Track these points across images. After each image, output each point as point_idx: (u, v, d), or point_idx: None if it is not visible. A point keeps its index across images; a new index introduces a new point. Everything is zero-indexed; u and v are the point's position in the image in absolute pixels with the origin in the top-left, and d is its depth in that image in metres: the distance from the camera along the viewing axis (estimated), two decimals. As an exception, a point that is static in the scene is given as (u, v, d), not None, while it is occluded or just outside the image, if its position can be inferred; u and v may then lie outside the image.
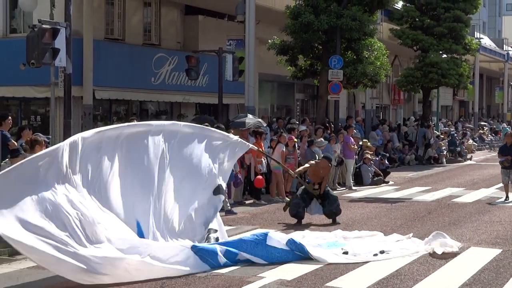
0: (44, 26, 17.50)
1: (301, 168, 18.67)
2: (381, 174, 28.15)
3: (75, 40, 21.79)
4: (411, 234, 14.87)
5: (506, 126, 58.15)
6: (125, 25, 29.67)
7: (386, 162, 30.50)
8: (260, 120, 24.81)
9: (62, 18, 19.88)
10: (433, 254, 13.13)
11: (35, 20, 23.16)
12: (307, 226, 16.87)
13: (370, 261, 12.58)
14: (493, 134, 58.66)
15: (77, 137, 11.15)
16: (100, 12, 28.39)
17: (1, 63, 26.67)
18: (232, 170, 17.35)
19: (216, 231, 12.61)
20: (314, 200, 17.56)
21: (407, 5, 41.47)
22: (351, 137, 26.77)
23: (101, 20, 28.49)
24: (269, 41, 31.94)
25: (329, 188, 18.28)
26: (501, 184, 23.20)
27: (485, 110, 77.89)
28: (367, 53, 31.52)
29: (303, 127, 27.67)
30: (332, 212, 17.50)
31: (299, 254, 12.49)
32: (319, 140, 24.79)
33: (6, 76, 26.36)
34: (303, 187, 17.89)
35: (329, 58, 30.25)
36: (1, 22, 28.20)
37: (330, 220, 17.51)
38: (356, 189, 25.78)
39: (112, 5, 29.19)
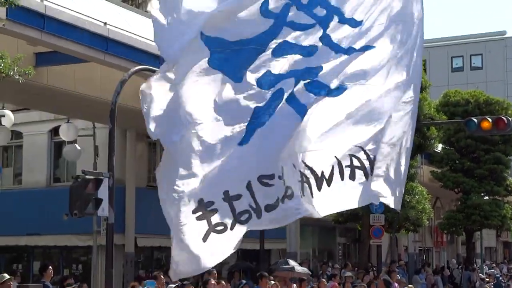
0: (87, 176, 17.67)
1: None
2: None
3: (117, 188, 21.97)
4: None
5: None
6: (166, 172, 29.95)
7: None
8: (306, 270, 24.34)
9: (105, 167, 20.13)
10: None
11: (78, 169, 23.49)
12: None
13: None
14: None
15: None
16: (143, 160, 28.77)
17: (44, 212, 26.94)
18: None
19: None
20: None
21: (447, 148, 41.56)
22: (395, 283, 26.29)
23: (143, 168, 28.84)
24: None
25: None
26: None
27: (530, 251, 76.57)
28: (408, 197, 31.39)
29: (347, 273, 27.29)
30: None
31: None
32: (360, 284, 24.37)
33: (49, 225, 26.58)
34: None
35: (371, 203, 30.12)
36: (45, 171, 28.66)
37: None
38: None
39: (154, 152, 29.61)
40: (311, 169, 7.55)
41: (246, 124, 7.46)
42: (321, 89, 7.72)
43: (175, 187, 7.37)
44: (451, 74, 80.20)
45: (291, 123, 7.57)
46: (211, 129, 7.38)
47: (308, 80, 7.70)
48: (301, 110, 7.59)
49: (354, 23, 7.91)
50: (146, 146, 29.29)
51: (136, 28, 22.74)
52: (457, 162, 41.19)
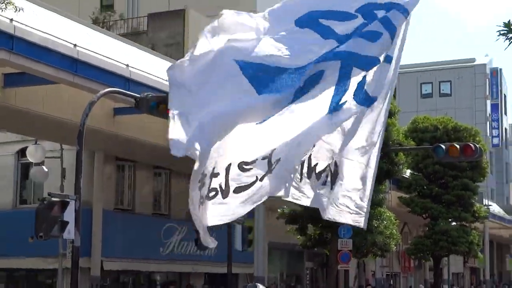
0: (53, 198, 17.55)
1: None
2: None
3: (84, 210, 21.82)
4: None
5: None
6: (135, 195, 29.85)
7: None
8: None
9: (73, 189, 19.98)
10: None
11: (45, 191, 23.30)
12: None
13: None
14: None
15: None
16: (111, 182, 28.63)
17: (10, 234, 26.66)
18: None
19: None
20: None
21: (415, 173, 41.74)
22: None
23: (111, 191, 28.69)
24: (279, 210, 31.98)
25: None
26: None
27: (497, 277, 76.95)
28: (376, 223, 31.46)
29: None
30: None
31: None
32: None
33: (14, 247, 26.30)
34: None
35: (338, 227, 30.17)
36: (11, 193, 28.42)
37: None
38: None
39: (123, 175, 29.47)
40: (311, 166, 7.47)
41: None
42: (365, 99, 7.37)
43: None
44: (420, 100, 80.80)
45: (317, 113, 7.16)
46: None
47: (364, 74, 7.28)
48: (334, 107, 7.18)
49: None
50: (114, 168, 29.16)
51: (105, 50, 22.67)
52: (425, 188, 41.37)
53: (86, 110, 16.56)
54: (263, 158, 7.11)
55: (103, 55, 22.05)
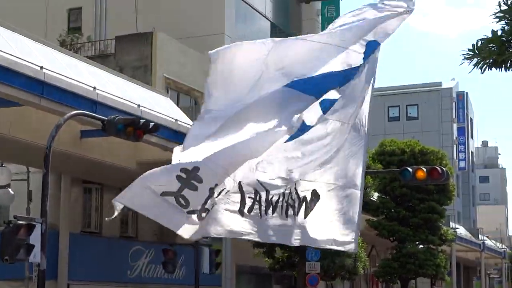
0: (19, 222, 17.42)
1: None
2: None
3: (51, 233, 21.66)
4: None
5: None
6: (102, 218, 29.67)
7: None
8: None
9: (39, 212, 19.84)
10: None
11: (11, 214, 23.08)
12: None
13: None
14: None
15: None
16: (78, 205, 28.45)
17: (-25, 257, 26.38)
18: None
19: None
20: None
21: (383, 196, 41.90)
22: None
23: (78, 213, 28.52)
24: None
25: None
26: None
27: (464, 300, 77.28)
28: (344, 245, 31.48)
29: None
30: None
31: None
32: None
33: (-21, 270, 25.99)
34: None
35: (306, 250, 30.21)
36: (-24, 216, 28.13)
37: None
38: None
39: (89, 198, 29.31)
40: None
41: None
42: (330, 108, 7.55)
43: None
44: (387, 123, 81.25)
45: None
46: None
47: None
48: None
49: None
50: (81, 191, 29.00)
51: (72, 73, 22.59)
52: (392, 210, 41.52)
53: (52, 133, 16.49)
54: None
55: (70, 78, 21.97)
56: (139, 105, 24.07)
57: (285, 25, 44.73)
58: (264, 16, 43.19)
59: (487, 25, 8.03)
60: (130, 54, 33.30)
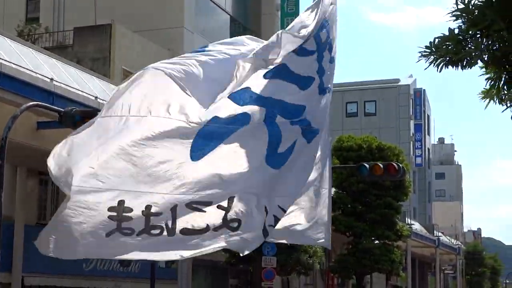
0: (-26, 213, 17.21)
1: None
2: None
3: (5, 225, 21.43)
4: None
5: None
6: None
7: None
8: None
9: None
10: None
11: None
12: None
13: None
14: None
15: None
16: (33, 197, 28.22)
17: None
18: None
19: None
20: None
21: (340, 192, 42.10)
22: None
23: (33, 205, 28.28)
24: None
25: None
26: None
27: (419, 295, 77.99)
28: (300, 240, 31.62)
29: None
30: None
31: None
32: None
33: None
34: None
35: (262, 245, 30.24)
36: None
37: None
38: None
39: (45, 190, 29.07)
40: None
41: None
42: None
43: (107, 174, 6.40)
44: (345, 119, 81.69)
45: (262, 149, 6.67)
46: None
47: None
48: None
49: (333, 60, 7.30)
50: (37, 183, 28.74)
51: (30, 64, 22.38)
52: (349, 206, 41.73)
53: (8, 124, 16.32)
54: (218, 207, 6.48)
55: (27, 69, 21.78)
56: (96, 97, 23.93)
57: (244, 19, 44.74)
58: (223, 10, 43.16)
59: (446, 22, 8.09)
60: (88, 46, 33.10)
